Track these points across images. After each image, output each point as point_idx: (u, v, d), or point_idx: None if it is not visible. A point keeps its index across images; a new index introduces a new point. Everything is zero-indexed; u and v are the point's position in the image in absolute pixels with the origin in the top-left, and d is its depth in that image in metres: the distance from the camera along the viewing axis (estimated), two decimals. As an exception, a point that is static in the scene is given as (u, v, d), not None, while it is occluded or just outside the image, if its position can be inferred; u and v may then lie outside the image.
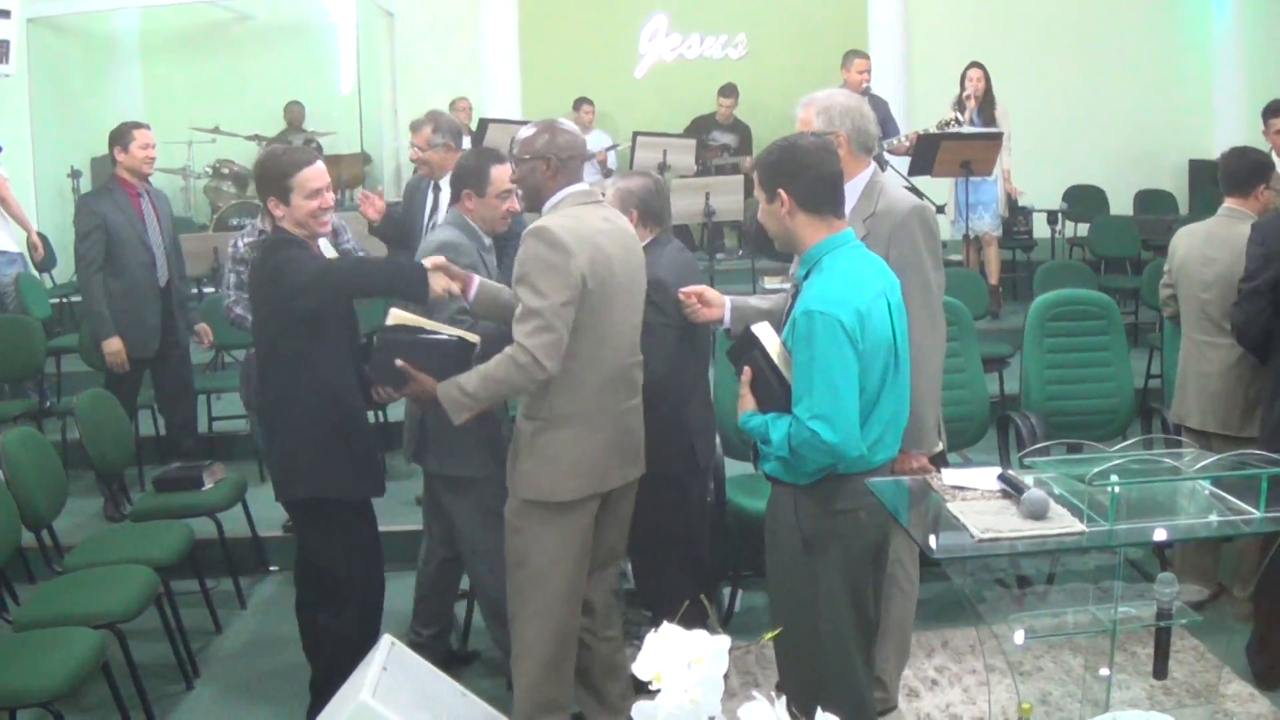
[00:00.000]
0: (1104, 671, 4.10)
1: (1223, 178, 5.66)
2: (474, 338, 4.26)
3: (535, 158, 4.17)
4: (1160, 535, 3.40)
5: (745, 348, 3.66)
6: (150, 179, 7.30)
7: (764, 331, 3.66)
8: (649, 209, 4.81)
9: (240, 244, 6.41)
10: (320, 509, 4.48)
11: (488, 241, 4.89)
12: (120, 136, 7.07)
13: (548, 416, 4.13)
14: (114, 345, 6.98)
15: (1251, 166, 5.57)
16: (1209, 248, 5.57)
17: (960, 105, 9.63)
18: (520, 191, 4.36)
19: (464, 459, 4.77)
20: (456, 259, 4.53)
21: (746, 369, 3.64)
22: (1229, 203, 5.61)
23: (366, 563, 4.65)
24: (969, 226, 9.76)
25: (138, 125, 7.13)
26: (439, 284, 4.26)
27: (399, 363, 4.15)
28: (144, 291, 7.08)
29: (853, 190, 4.15)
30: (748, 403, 3.65)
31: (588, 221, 4.11)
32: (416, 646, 4.97)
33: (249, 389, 6.33)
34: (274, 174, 4.37)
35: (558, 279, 3.94)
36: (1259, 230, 5.16)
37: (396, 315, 4.25)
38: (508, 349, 3.96)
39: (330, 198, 4.45)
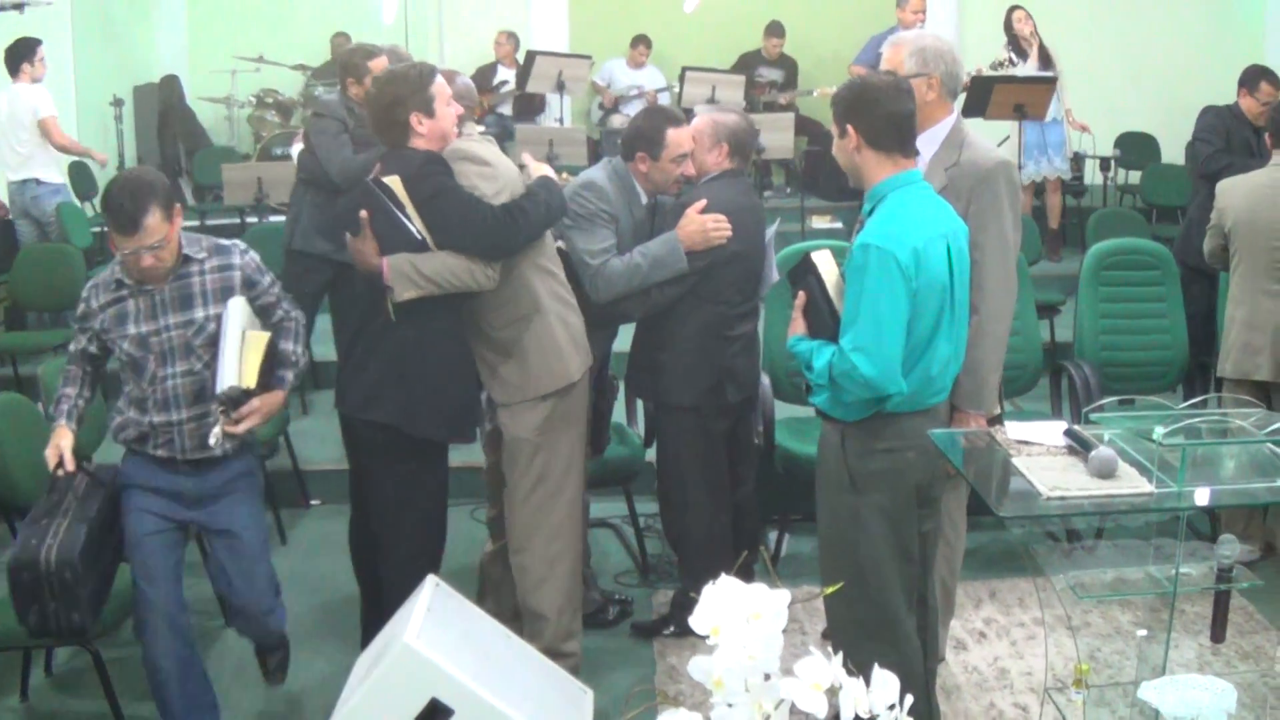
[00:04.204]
0: (1142, 632, 4.00)
1: (1275, 131, 5.64)
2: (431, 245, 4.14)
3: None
4: (1232, 498, 3.33)
5: (802, 273, 3.68)
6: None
7: (823, 259, 3.69)
8: (739, 144, 4.84)
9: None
10: (429, 447, 4.35)
11: (644, 200, 4.79)
12: (354, 68, 5.98)
13: (528, 311, 4.29)
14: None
15: None
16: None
17: (1016, 48, 9.56)
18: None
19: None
20: (589, 200, 4.63)
21: (801, 294, 3.68)
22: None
23: (440, 504, 4.51)
24: (1037, 170, 9.71)
25: (372, 55, 5.95)
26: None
27: (364, 214, 4.07)
28: None
29: (936, 136, 4.09)
30: (799, 327, 3.70)
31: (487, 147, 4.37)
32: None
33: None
34: (415, 86, 4.12)
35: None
36: None
37: (395, 182, 4.10)
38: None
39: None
